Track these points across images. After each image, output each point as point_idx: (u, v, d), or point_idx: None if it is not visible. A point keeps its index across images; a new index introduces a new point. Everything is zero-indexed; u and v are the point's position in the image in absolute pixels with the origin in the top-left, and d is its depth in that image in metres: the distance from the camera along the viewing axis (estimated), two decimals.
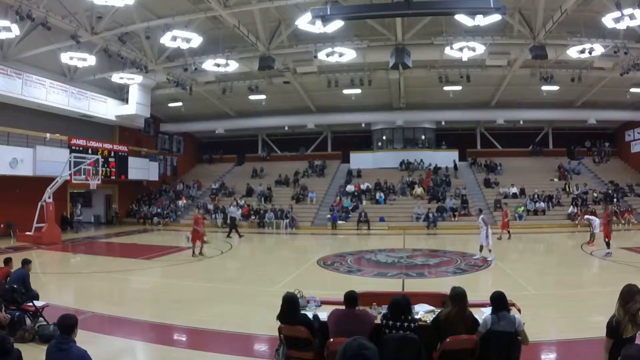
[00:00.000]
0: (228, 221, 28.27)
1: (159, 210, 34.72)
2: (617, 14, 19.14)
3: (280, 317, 6.69)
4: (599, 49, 23.57)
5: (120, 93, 33.02)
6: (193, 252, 19.09)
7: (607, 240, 18.53)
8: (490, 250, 17.62)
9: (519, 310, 7.07)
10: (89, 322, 9.38)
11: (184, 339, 9.22)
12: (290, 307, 6.64)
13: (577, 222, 29.13)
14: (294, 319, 6.58)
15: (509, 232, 24.13)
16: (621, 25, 20.08)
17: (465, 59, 25.25)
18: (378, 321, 6.46)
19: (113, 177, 32.51)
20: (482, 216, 18.53)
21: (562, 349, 8.45)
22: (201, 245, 19.42)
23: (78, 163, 26.10)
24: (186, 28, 22.16)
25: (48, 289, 12.77)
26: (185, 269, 16.92)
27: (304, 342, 6.52)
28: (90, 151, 30.03)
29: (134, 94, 31.93)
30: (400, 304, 6.26)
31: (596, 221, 21.35)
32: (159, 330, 9.36)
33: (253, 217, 32.50)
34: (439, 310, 6.64)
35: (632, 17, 19.08)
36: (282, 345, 6.70)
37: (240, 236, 25.87)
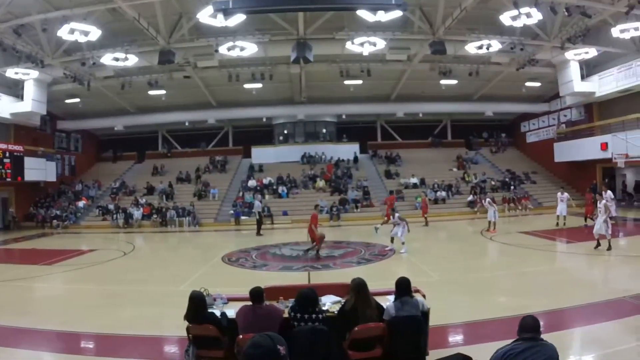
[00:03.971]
0: (256, 217, 26.24)
1: (58, 212, 33.17)
2: (515, 12, 20.26)
3: (187, 316, 6.61)
4: (496, 45, 24.83)
5: (15, 89, 30.94)
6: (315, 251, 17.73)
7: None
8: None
9: (424, 296, 7.32)
10: None
11: (92, 346, 8.89)
12: (197, 306, 6.59)
13: (476, 209, 30.46)
14: (201, 318, 6.52)
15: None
16: (518, 23, 21.32)
17: (366, 53, 25.62)
18: (286, 315, 6.49)
19: (9, 179, 30.67)
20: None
21: (468, 330, 8.83)
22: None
23: None
24: (85, 20, 21.16)
25: None
26: (88, 272, 16.23)
27: (213, 340, 6.48)
28: None
29: (30, 90, 30.09)
30: (307, 297, 6.32)
31: (494, 208, 22.41)
32: (66, 338, 8.94)
33: (155, 216, 31.72)
34: (345, 301, 6.74)
35: (528, 15, 20.32)
36: (191, 346, 6.61)
37: (259, 234, 24.50)
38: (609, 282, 12.67)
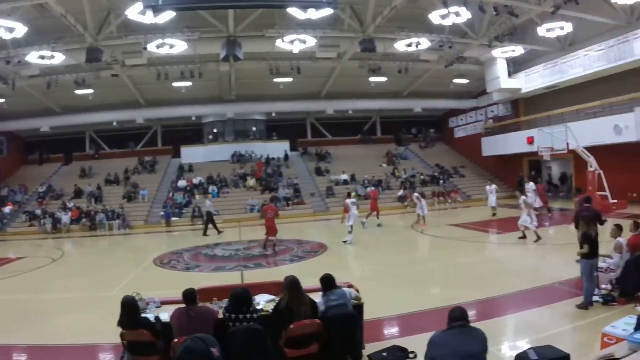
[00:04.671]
0: (204, 217, 25.60)
1: None
2: (444, 11, 20.67)
3: (120, 322, 6.48)
4: (425, 43, 25.39)
5: None
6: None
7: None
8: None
9: (358, 291, 7.43)
10: None
11: (24, 358, 8.52)
12: (130, 311, 6.46)
13: (406, 203, 31.00)
14: (134, 323, 6.40)
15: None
16: (447, 22, 21.84)
17: (296, 51, 25.61)
18: (221, 315, 6.49)
19: None
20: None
21: (403, 322, 9.03)
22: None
23: None
24: (10, 16, 20.14)
25: None
26: (16, 281, 15.48)
27: (148, 345, 6.37)
28: None
29: None
30: (241, 296, 6.37)
31: (422, 202, 22.86)
32: None
33: (84, 219, 30.77)
34: (279, 299, 6.77)
35: (457, 14, 20.86)
36: (126, 352, 6.48)
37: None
38: (538, 270, 13.09)
